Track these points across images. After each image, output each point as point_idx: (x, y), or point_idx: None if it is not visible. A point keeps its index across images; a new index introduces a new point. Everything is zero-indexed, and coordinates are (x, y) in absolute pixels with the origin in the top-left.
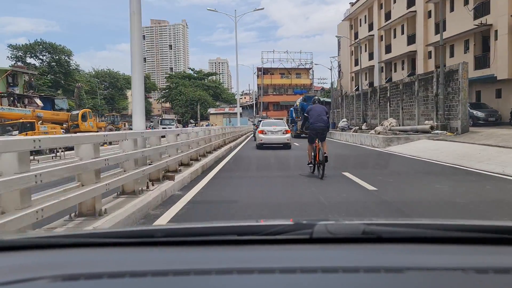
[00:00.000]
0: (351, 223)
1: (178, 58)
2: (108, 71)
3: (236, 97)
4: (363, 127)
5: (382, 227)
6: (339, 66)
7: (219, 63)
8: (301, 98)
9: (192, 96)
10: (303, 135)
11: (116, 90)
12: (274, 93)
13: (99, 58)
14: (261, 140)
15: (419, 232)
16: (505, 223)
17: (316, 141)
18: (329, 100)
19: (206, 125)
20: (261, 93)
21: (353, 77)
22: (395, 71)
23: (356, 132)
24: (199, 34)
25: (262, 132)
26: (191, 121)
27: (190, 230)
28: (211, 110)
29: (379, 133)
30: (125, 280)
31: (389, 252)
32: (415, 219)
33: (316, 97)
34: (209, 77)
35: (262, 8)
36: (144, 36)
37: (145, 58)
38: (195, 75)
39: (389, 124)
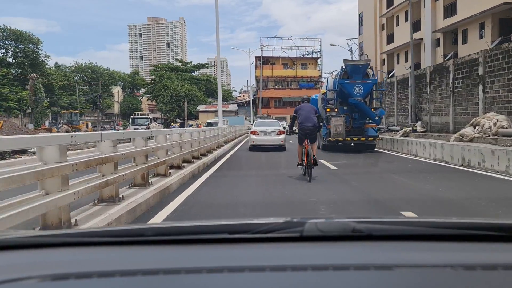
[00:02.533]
0: (341, 221)
1: (175, 56)
2: (89, 65)
3: (219, 85)
4: (419, 128)
5: (372, 224)
6: (361, 49)
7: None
8: (338, 71)
9: (178, 91)
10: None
11: (100, 87)
12: (276, 86)
13: (99, 58)
14: (253, 141)
15: (409, 229)
16: (492, 221)
17: (306, 142)
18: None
19: (190, 125)
20: (260, 87)
21: (384, 59)
22: (465, 41)
23: (407, 136)
24: (199, 34)
25: (254, 133)
26: (177, 120)
27: (180, 228)
28: (201, 108)
29: (471, 140)
30: (115, 279)
31: (379, 250)
32: (404, 217)
33: (306, 96)
34: (200, 70)
35: None
36: (140, 34)
37: (141, 57)
38: (183, 67)
39: (494, 124)
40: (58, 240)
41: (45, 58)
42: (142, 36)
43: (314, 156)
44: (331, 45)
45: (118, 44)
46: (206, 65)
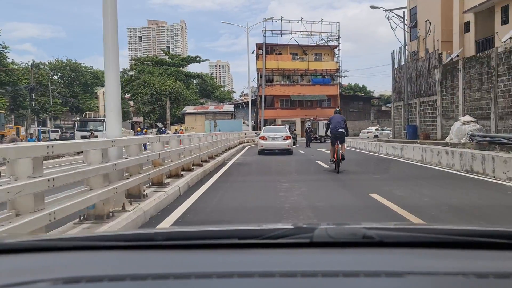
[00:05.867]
0: (351, 227)
1: (175, 60)
2: (67, 62)
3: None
4: None
5: (383, 231)
6: (413, 18)
7: (219, 65)
8: None
9: (160, 88)
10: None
11: (81, 87)
12: (283, 82)
13: (103, 63)
14: (262, 146)
15: (420, 236)
16: (505, 228)
17: (337, 143)
18: None
19: (167, 132)
20: (262, 83)
21: (468, 22)
22: None
23: None
24: (202, 40)
25: (263, 138)
26: (158, 124)
27: (191, 233)
28: (188, 109)
29: None
30: (125, 284)
31: (390, 256)
32: (415, 224)
33: (338, 109)
34: (190, 64)
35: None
36: (140, 37)
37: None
38: (170, 60)
39: None
40: (69, 244)
41: (3, 49)
42: (142, 39)
43: (342, 152)
44: (372, 7)
45: (123, 49)
46: (198, 59)
